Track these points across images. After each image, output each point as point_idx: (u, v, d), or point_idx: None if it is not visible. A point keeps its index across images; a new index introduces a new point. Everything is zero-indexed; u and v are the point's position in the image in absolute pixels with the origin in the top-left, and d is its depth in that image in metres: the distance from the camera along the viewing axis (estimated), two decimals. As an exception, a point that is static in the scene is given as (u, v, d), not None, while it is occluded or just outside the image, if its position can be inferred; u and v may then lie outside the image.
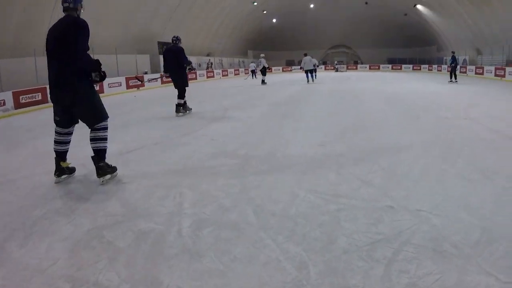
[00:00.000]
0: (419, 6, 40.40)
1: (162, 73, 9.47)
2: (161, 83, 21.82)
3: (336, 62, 49.73)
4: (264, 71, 22.03)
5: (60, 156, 3.91)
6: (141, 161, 4.71)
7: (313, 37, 52.34)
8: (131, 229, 2.68)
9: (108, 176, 3.84)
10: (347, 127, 6.71)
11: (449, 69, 22.13)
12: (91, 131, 3.85)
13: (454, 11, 35.31)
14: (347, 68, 49.61)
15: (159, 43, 28.32)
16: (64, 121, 3.86)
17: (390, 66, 48.99)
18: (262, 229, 2.62)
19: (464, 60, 37.68)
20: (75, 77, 3.67)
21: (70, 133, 3.97)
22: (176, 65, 8.77)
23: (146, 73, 23.45)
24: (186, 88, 8.99)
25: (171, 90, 9.49)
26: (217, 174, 3.99)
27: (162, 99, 13.26)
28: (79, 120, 3.91)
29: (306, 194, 3.30)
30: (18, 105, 12.39)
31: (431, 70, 44.55)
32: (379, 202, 3.08)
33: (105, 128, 3.90)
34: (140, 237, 2.55)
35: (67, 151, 3.99)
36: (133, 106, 11.78)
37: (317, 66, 26.21)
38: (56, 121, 3.89)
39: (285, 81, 23.92)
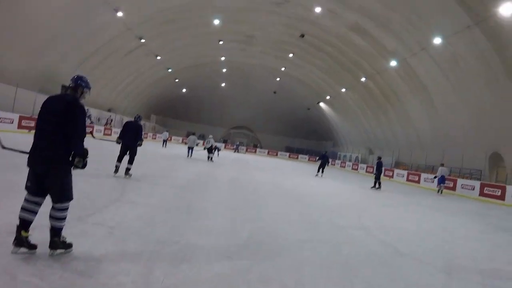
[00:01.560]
0: (322, 104, 44.55)
1: (116, 140, 11.29)
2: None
3: (238, 142, 51.64)
4: (210, 150, 24.74)
5: (23, 224, 3.97)
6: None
7: (219, 114, 54.35)
8: None
9: (61, 250, 4.10)
10: (251, 233, 6.79)
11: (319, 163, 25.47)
12: (52, 208, 4.06)
13: (353, 113, 39.66)
14: (246, 151, 51.60)
15: (63, 86, 27.30)
16: (34, 188, 4.07)
17: (287, 154, 52.09)
18: None
19: (356, 158, 41.63)
20: (61, 151, 4.03)
21: (39, 204, 4.11)
22: (134, 137, 11.07)
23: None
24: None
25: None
26: (121, 286, 3.76)
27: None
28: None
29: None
30: None
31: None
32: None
33: (66, 209, 4.14)
34: None
35: (32, 222, 4.06)
36: (22, 160, 10.67)
37: (219, 149, 27.85)
38: (26, 187, 4.11)
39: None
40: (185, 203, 8.99)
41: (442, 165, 22.82)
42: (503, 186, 19.99)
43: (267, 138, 57.19)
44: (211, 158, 24.81)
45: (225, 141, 53.29)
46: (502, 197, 19.46)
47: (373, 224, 9.28)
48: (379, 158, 20.76)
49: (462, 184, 22.76)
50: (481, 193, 20.79)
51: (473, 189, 21.58)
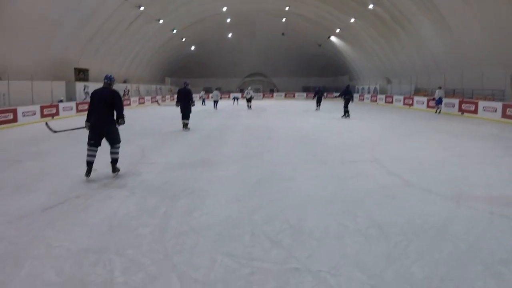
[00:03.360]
0: (332, 38, 43.58)
1: (176, 104, 15.10)
2: (76, 112, 23.34)
3: (249, 88, 50.63)
4: (250, 99, 30.56)
5: (90, 164, 6.97)
6: (66, 219, 4.92)
7: (231, 65, 54.07)
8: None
9: (118, 172, 7.33)
10: (260, 178, 7.17)
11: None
12: (111, 147, 7.20)
13: (365, 43, 38.67)
14: (263, 97, 51.90)
15: (75, 69, 28.59)
16: (96, 143, 7.04)
17: (305, 94, 51.97)
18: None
19: (375, 89, 41.20)
20: (111, 119, 7.09)
21: (97, 150, 7.05)
22: (187, 100, 14.70)
23: (61, 101, 23.37)
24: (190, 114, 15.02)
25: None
26: (140, 237, 4.32)
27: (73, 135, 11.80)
28: (101, 142, 7.11)
29: (223, 258, 3.79)
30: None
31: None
32: (286, 264, 3.66)
33: (119, 147, 7.31)
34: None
35: (94, 161, 7.01)
36: (48, 145, 11.39)
37: (252, 97, 31.18)
38: (90, 143, 6.99)
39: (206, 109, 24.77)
40: (198, 158, 9.37)
41: (440, 88, 25.07)
42: (527, 107, 19.16)
43: (282, 81, 56.91)
44: (250, 106, 30.29)
45: (241, 90, 53.17)
46: (526, 118, 18.82)
47: (386, 156, 9.33)
48: (348, 86, 21.14)
49: (484, 107, 22.08)
50: (504, 115, 20.19)
51: (495, 111, 20.97)
